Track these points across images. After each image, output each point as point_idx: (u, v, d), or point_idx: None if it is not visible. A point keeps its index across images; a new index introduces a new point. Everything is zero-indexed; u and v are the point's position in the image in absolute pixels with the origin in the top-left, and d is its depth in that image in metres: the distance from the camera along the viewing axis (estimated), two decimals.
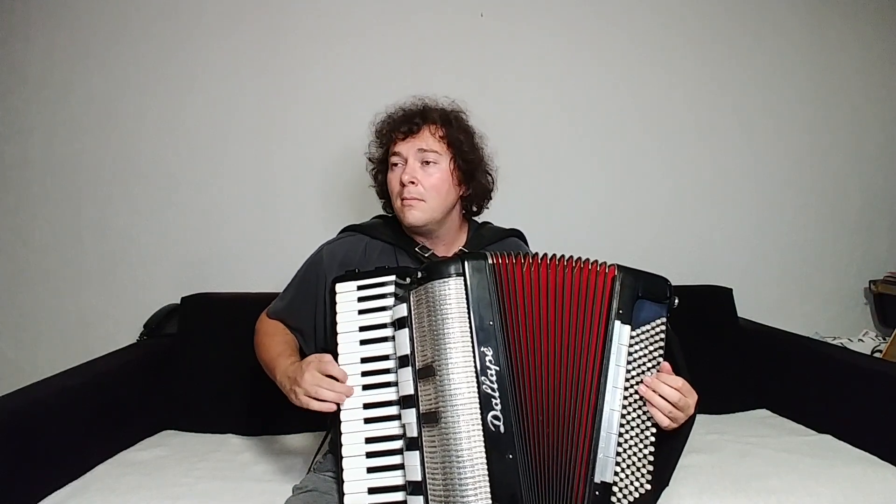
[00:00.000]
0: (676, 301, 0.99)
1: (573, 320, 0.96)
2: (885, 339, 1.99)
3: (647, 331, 0.97)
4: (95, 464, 1.39)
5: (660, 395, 0.94)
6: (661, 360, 0.96)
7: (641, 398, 0.94)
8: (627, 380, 0.95)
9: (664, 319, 0.98)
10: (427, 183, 1.19)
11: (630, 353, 0.95)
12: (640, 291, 0.97)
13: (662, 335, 0.97)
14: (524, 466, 0.91)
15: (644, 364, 0.96)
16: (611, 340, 0.95)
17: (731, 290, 1.89)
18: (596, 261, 1.00)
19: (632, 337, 0.96)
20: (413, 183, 1.18)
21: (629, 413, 0.94)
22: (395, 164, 1.22)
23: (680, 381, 0.95)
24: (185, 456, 1.46)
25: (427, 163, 1.20)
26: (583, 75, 2.05)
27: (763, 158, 2.14)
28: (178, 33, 1.95)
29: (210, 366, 1.68)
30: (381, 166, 1.29)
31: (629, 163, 2.08)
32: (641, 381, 0.95)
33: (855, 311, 2.20)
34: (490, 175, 1.30)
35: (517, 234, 1.38)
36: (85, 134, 1.95)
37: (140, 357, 1.70)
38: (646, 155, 2.09)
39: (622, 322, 0.96)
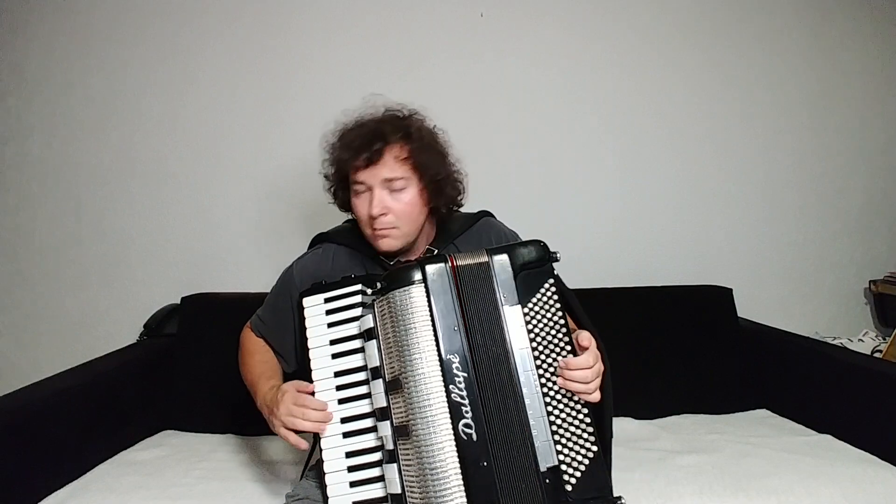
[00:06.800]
0: (559, 255, 0.98)
1: (486, 316, 0.95)
2: (885, 339, 1.99)
3: (540, 299, 0.96)
4: (95, 464, 1.39)
5: (575, 382, 0.91)
6: (563, 321, 0.95)
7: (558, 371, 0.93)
8: (537, 357, 0.93)
9: (552, 281, 0.97)
10: (397, 210, 1.11)
11: (531, 330, 0.94)
12: (517, 266, 0.97)
13: (556, 296, 0.96)
14: (498, 471, 0.90)
15: (550, 332, 0.95)
16: (506, 328, 0.94)
17: (731, 290, 1.89)
18: (474, 252, 0.99)
19: (526, 314, 0.95)
20: (384, 214, 1.11)
21: (551, 389, 0.93)
22: (359, 192, 1.13)
23: (585, 358, 0.92)
24: (185, 456, 1.46)
25: (395, 189, 1.11)
26: (583, 75, 2.05)
27: (763, 158, 2.14)
28: (177, 34, 1.95)
29: (210, 366, 1.67)
30: (341, 185, 1.20)
31: (629, 162, 2.08)
32: (554, 351, 0.93)
33: (855, 311, 2.20)
34: (459, 183, 1.21)
35: (486, 215, 1.32)
36: (85, 134, 1.95)
37: (140, 357, 1.70)
38: (646, 155, 2.09)
39: (510, 305, 0.95)
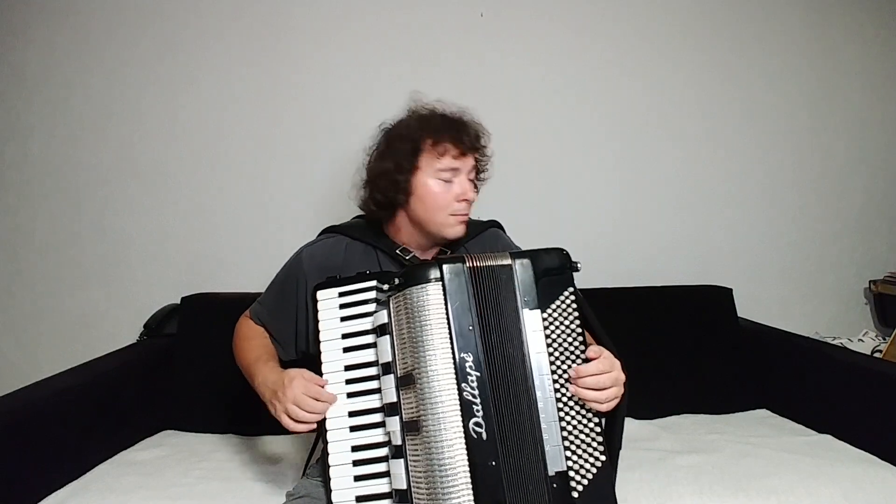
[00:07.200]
0: (579, 265, 1.00)
1: (504, 317, 0.96)
2: (885, 339, 1.99)
3: (559, 307, 0.97)
4: (95, 464, 1.39)
5: (587, 389, 0.93)
6: (580, 330, 0.97)
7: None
8: (553, 363, 0.95)
9: (572, 290, 0.98)
10: (472, 200, 1.21)
11: (548, 336, 0.95)
12: (539, 272, 0.98)
13: (575, 305, 0.97)
14: (506, 471, 0.90)
15: (566, 339, 0.96)
16: (525, 331, 0.95)
17: (731, 290, 1.90)
18: (497, 254, 1.00)
19: (545, 319, 0.96)
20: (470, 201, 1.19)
21: (565, 395, 0.94)
22: (445, 177, 1.16)
23: (597, 366, 0.94)
24: (185, 456, 1.46)
25: (471, 180, 1.20)
26: (583, 75, 2.05)
27: (763, 159, 2.14)
28: (177, 33, 1.95)
29: (210, 366, 1.67)
30: (408, 170, 1.16)
31: (629, 162, 2.08)
32: (569, 358, 0.95)
33: (855, 311, 2.20)
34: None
35: (494, 225, 1.36)
36: (85, 134, 1.95)
37: (140, 357, 1.70)
38: (646, 155, 2.09)
39: (529, 309, 0.96)
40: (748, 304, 1.96)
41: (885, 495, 1.25)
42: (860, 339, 2.00)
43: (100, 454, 1.42)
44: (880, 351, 1.92)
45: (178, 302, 1.80)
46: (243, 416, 1.64)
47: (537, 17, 2.03)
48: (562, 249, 1.00)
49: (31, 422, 1.27)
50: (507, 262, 0.98)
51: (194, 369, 1.69)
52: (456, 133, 1.17)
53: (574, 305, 0.97)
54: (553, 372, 0.94)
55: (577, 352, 0.95)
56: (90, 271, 1.97)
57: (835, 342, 1.95)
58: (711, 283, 1.94)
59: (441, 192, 1.16)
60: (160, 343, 1.78)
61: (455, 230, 1.19)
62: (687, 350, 1.80)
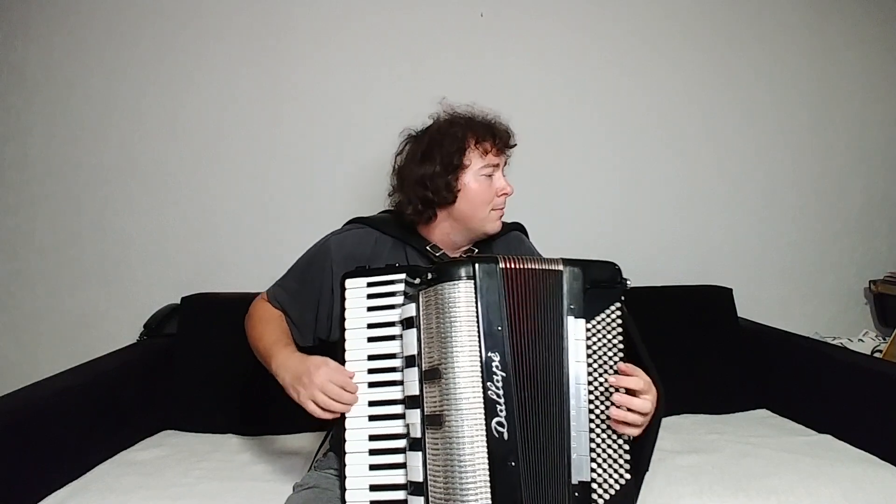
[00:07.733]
0: (630, 282, 1.00)
1: (542, 322, 0.96)
2: (885, 339, 1.99)
3: (604, 319, 0.97)
4: (95, 464, 1.39)
5: (627, 409, 0.93)
6: (622, 346, 0.97)
7: (608, 390, 0.94)
8: (591, 374, 0.95)
9: (619, 304, 0.98)
10: (511, 193, 1.26)
11: (589, 346, 0.96)
12: (589, 282, 0.98)
13: (620, 321, 0.98)
14: (525, 473, 0.90)
15: (606, 353, 0.96)
16: (567, 338, 0.96)
17: (731, 290, 1.90)
18: (546, 259, 1.01)
19: (588, 329, 0.96)
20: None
21: (598, 407, 0.94)
22: (488, 173, 1.22)
23: (629, 381, 0.94)
24: (185, 456, 1.46)
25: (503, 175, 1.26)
26: (583, 76, 2.05)
27: (764, 159, 2.14)
28: (177, 34, 1.95)
29: (210, 366, 1.68)
30: (456, 167, 1.19)
31: (629, 162, 2.08)
32: (607, 371, 0.95)
33: (855, 311, 2.20)
34: None
35: (518, 228, 1.38)
36: (85, 134, 1.95)
37: (140, 357, 1.70)
38: (646, 155, 2.09)
39: (575, 317, 0.96)
40: (748, 304, 1.96)
41: (885, 495, 1.25)
42: (860, 339, 2.00)
43: (100, 454, 1.42)
44: (880, 351, 1.92)
45: (178, 302, 1.80)
46: (244, 416, 1.64)
47: (537, 17, 2.03)
48: (614, 264, 1.01)
49: (31, 422, 1.26)
50: (559, 268, 0.98)
51: (194, 369, 1.69)
52: (494, 131, 1.24)
53: (619, 321, 0.97)
54: (589, 383, 0.94)
55: (615, 368, 0.95)
56: (90, 271, 1.96)
57: (835, 342, 1.95)
58: (711, 283, 1.94)
59: (485, 189, 1.21)
60: (160, 343, 1.78)
61: (495, 225, 1.23)
62: (687, 350, 1.80)
